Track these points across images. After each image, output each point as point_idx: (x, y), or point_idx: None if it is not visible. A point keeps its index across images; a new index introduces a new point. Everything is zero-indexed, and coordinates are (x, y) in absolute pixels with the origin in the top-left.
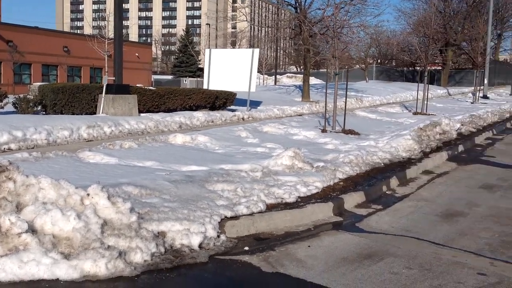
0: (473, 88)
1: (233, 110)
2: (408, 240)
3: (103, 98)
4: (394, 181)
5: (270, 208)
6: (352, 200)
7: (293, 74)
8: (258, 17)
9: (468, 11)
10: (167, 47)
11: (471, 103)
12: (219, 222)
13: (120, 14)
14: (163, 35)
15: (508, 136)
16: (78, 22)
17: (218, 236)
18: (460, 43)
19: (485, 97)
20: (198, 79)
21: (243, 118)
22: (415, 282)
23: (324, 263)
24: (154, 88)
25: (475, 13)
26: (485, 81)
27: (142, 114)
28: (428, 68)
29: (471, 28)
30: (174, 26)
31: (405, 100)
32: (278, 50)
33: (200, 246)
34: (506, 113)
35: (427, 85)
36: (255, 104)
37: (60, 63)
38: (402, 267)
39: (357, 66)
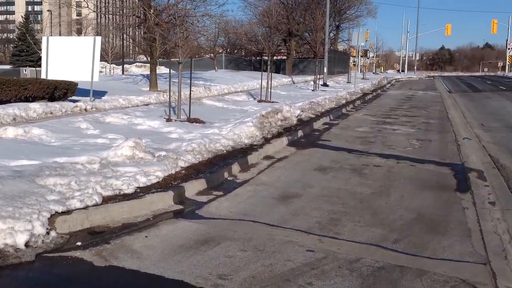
0: (314, 76)
1: (75, 101)
2: (245, 223)
3: None
4: (235, 167)
5: (107, 200)
6: (193, 188)
7: (143, 64)
8: (105, 4)
9: (309, 3)
10: (5, 35)
11: (312, 90)
12: (48, 218)
13: None
14: None
15: (343, 121)
16: None
17: (48, 233)
18: (302, 34)
19: (325, 85)
20: (40, 68)
21: (85, 109)
22: (249, 263)
23: (160, 252)
24: None
25: (314, 5)
26: (325, 70)
27: None
28: (274, 57)
29: (311, 19)
30: (12, 13)
31: (252, 88)
32: (126, 39)
33: (27, 244)
34: (342, 99)
35: (271, 73)
36: (99, 94)
37: None
38: (237, 250)
39: (207, 55)
